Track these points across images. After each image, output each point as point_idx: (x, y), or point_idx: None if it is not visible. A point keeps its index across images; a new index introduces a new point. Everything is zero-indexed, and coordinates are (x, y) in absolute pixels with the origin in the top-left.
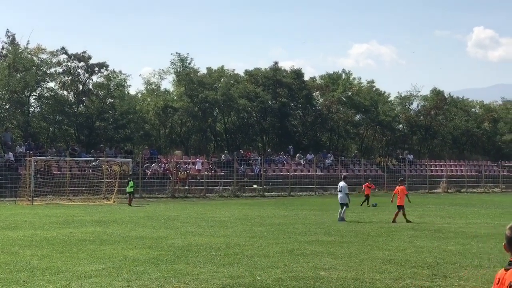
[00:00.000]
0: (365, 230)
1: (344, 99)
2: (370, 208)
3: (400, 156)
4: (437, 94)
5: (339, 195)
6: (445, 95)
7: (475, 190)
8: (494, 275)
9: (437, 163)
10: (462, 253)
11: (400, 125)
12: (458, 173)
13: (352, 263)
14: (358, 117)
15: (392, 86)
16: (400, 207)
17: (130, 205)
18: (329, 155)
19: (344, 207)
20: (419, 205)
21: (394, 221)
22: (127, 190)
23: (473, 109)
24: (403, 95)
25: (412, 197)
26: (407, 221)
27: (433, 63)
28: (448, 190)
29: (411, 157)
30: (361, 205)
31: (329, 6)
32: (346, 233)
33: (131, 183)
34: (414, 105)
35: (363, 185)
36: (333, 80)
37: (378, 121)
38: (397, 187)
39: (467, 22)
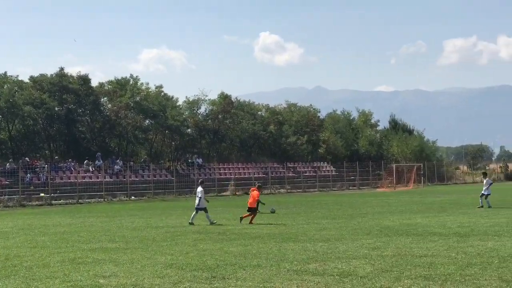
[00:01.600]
0: (151, 235)
1: (132, 104)
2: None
3: (190, 160)
4: (224, 98)
5: (196, 200)
6: (232, 99)
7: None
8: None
9: (225, 166)
10: (242, 254)
11: (189, 129)
12: (246, 175)
13: (134, 269)
14: (147, 122)
15: (183, 91)
16: (252, 209)
17: None
18: (118, 161)
19: (203, 212)
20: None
21: (251, 222)
22: None
23: (259, 113)
24: (191, 100)
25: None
26: (250, 222)
27: (222, 67)
28: (237, 193)
29: (200, 161)
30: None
31: (118, 10)
32: (131, 239)
33: None
34: (202, 109)
35: (250, 189)
36: (121, 86)
37: (167, 125)
38: (253, 191)
39: (253, 28)
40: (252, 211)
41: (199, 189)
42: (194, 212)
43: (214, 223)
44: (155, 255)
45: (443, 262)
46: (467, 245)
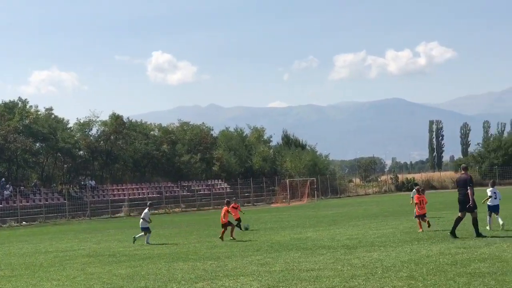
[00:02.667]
0: (39, 261)
1: (21, 127)
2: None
3: (82, 183)
4: (116, 119)
5: (141, 220)
6: (124, 120)
7: (156, 211)
8: None
9: (119, 187)
10: (131, 276)
11: (81, 151)
12: (140, 196)
13: None
14: (37, 145)
15: (75, 113)
16: (224, 225)
17: None
18: (7, 186)
19: (146, 232)
20: (99, 230)
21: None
22: None
23: (152, 132)
24: (82, 121)
25: (94, 222)
26: (221, 238)
27: (115, 88)
28: (131, 214)
29: (93, 183)
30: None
31: (4, 32)
32: (17, 266)
33: None
34: (94, 131)
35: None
36: (9, 109)
37: (58, 148)
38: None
39: (145, 47)
40: (224, 226)
41: (145, 211)
42: (141, 233)
43: (149, 244)
44: (41, 282)
45: (328, 275)
46: (354, 256)
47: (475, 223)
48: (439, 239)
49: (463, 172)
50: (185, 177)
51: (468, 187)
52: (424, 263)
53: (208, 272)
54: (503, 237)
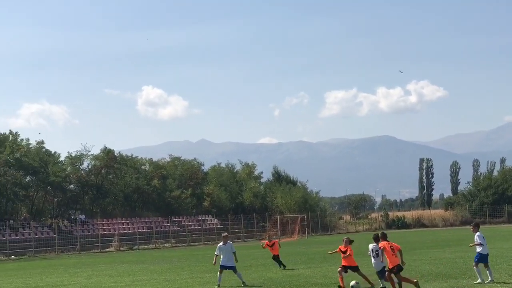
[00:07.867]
0: None
1: (12, 161)
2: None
3: (72, 217)
4: (107, 153)
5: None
6: (115, 154)
7: (147, 246)
8: None
9: (109, 221)
10: None
11: (72, 185)
12: (130, 231)
13: None
14: (27, 178)
15: (66, 146)
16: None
17: None
18: None
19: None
20: (89, 265)
21: None
22: None
23: (143, 167)
24: (73, 155)
25: (84, 257)
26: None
27: (105, 122)
28: (121, 248)
29: (83, 217)
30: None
31: None
32: None
33: None
34: (85, 165)
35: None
36: (0, 142)
37: (48, 182)
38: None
39: (136, 81)
40: (399, 269)
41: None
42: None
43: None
44: None
45: None
46: None
47: None
48: (432, 278)
49: None
50: (176, 212)
51: None
52: None
53: None
54: None
